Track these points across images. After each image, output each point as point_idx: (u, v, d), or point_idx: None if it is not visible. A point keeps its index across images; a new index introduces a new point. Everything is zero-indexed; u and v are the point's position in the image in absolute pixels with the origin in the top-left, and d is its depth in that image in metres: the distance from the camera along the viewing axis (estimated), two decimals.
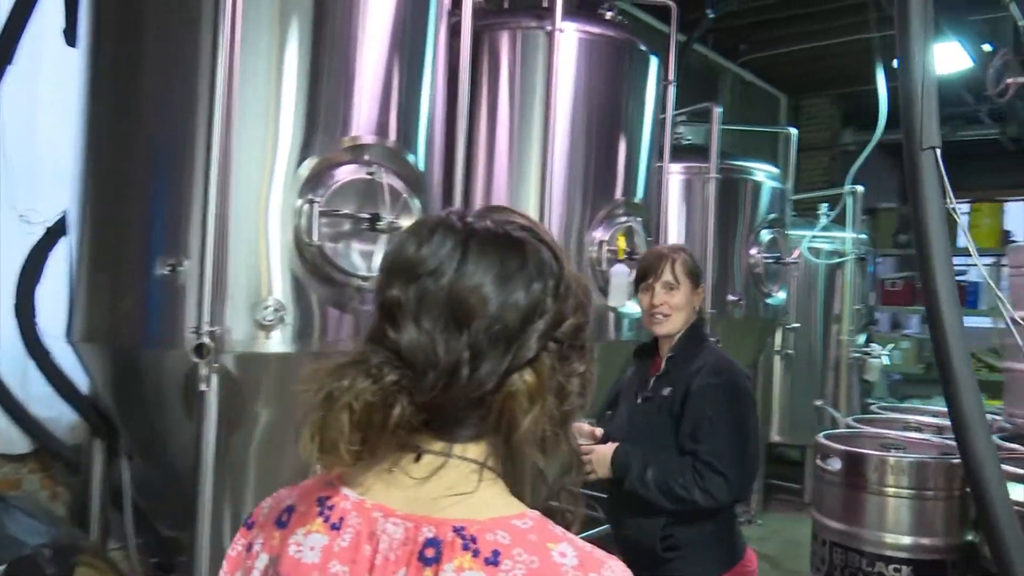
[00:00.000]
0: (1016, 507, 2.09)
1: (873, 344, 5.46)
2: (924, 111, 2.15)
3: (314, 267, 2.26)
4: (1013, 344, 2.14)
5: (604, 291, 3.39)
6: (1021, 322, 2.16)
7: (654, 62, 3.66)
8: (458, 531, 0.75)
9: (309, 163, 2.25)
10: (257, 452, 2.40)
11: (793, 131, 5.41)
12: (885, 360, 5.62)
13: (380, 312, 0.79)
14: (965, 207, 8.66)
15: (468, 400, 0.77)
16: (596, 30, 3.42)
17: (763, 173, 4.64)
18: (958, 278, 3.73)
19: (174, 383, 2.25)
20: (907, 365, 8.07)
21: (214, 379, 2.11)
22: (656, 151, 3.74)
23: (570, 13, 3.30)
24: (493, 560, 0.73)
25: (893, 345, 6.80)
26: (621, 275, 3.29)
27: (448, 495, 0.78)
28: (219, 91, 2.12)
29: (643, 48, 3.59)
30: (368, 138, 2.40)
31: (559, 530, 0.78)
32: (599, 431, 2.17)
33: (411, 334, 0.76)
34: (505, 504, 0.79)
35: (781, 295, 4.76)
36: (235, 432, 2.27)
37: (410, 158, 2.49)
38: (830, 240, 5.42)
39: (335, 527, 0.79)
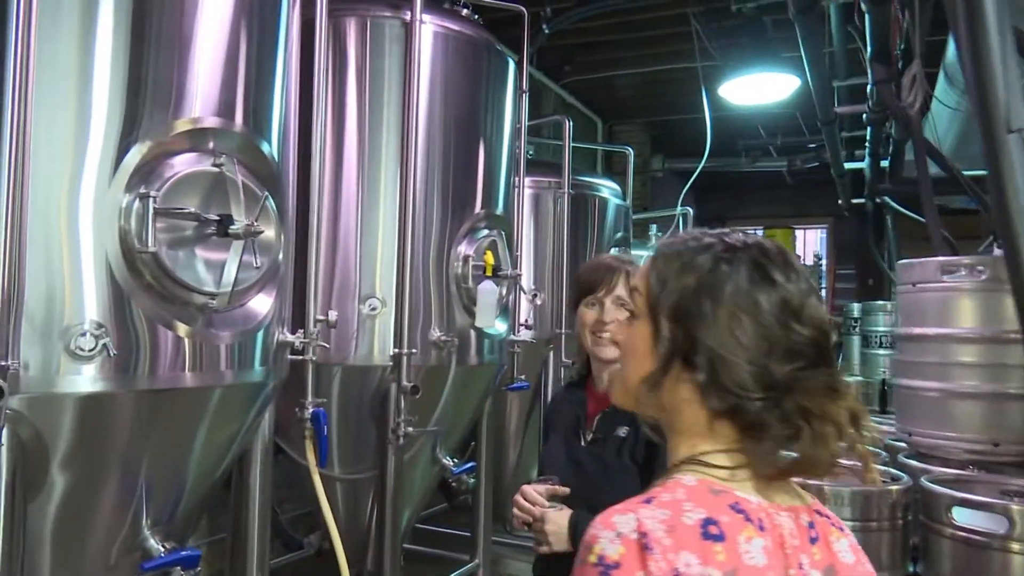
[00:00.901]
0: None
1: None
2: (1011, 91, 1.85)
3: (145, 280, 1.76)
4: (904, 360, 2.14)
5: (469, 310, 3.09)
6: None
7: (512, 66, 3.44)
8: (818, 512, 0.97)
9: (139, 149, 1.75)
10: (56, 526, 1.82)
11: (629, 150, 5.43)
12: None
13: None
14: (759, 231, 9.34)
15: None
16: (454, 26, 3.13)
17: (608, 190, 4.58)
18: None
19: None
20: None
21: (5, 432, 1.54)
22: (513, 162, 3.51)
23: (425, 5, 2.99)
24: (841, 527, 0.99)
25: None
26: (490, 293, 3.01)
27: (794, 488, 0.99)
28: (12, 52, 1.58)
29: (501, 50, 3.37)
30: (211, 120, 1.93)
31: None
32: (562, 489, 1.78)
33: None
34: (795, 488, 1.00)
35: None
36: (33, 501, 1.70)
37: (264, 147, 2.05)
38: None
39: (762, 528, 0.89)
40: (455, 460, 3.27)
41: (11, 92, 1.55)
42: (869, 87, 3.65)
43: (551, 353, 4.14)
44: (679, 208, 5.09)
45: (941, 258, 2.53)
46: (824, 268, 10.94)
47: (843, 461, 0.94)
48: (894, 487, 2.45)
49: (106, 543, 1.90)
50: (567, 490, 1.77)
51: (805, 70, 5.37)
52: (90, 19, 1.75)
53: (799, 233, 10.25)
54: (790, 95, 5.37)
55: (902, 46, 3.03)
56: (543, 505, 1.74)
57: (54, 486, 1.76)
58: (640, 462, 1.75)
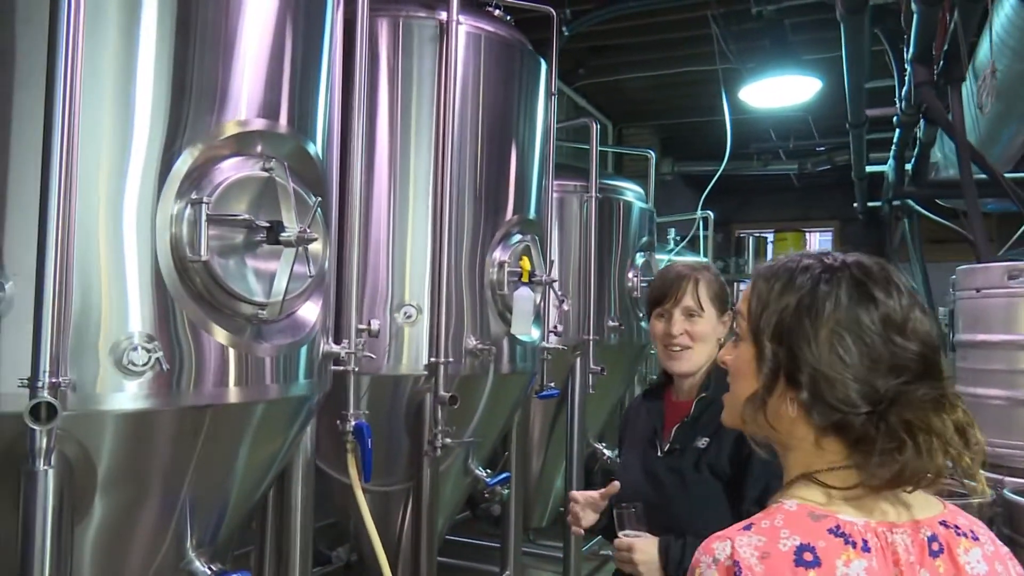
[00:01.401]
0: None
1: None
2: None
3: (196, 291, 1.68)
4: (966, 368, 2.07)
5: (504, 317, 3.01)
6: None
7: (544, 68, 3.37)
8: (944, 524, 0.97)
9: (191, 153, 1.67)
10: (96, 549, 1.73)
11: (651, 153, 5.37)
12: None
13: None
14: (770, 235, 9.29)
15: None
16: (488, 27, 3.06)
17: (632, 193, 4.51)
18: None
19: None
20: None
21: (54, 454, 1.46)
22: (545, 165, 3.44)
23: (459, 5, 2.91)
24: (975, 537, 0.98)
25: None
26: (526, 299, 2.94)
27: (912, 503, 0.96)
28: (61, 53, 1.50)
29: (533, 51, 3.30)
30: (258, 123, 1.84)
31: None
32: (613, 486, 1.75)
33: None
34: (926, 500, 0.99)
35: None
36: (79, 524, 1.62)
37: (311, 150, 1.98)
38: None
39: (867, 549, 0.90)
40: (488, 471, 3.19)
41: (60, 99, 1.46)
42: (904, 89, 3.59)
43: (578, 360, 4.06)
44: (699, 212, 5.02)
45: (1007, 263, 2.46)
46: None
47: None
48: (975, 500, 2.37)
49: (151, 567, 1.82)
50: (617, 485, 1.76)
51: (828, 73, 5.33)
52: (133, 18, 1.67)
53: (809, 237, 10.22)
54: (810, 98, 5.31)
55: (945, 48, 2.98)
56: (597, 503, 1.71)
57: (96, 508, 1.68)
58: (725, 478, 1.68)
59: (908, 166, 4.86)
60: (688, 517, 1.70)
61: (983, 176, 3.17)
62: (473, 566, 3.69)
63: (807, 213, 11.70)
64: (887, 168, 5.43)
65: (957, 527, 0.97)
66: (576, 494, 1.99)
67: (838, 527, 0.91)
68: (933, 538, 0.95)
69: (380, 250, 2.83)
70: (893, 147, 4.66)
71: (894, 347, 0.94)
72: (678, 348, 1.80)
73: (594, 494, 1.93)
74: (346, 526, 3.20)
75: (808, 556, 0.88)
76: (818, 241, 12.02)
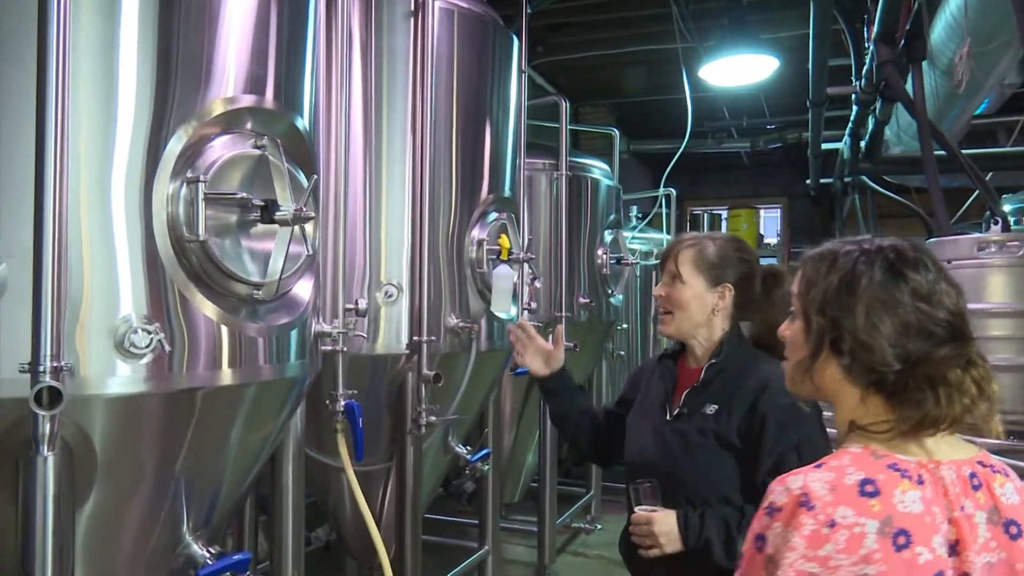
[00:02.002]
0: None
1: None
2: None
3: (192, 271, 1.65)
4: None
5: (483, 295, 3.02)
6: None
7: (516, 44, 3.36)
8: (981, 463, 1.12)
9: (184, 131, 1.63)
10: (93, 534, 1.69)
11: (615, 131, 5.40)
12: None
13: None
14: (724, 212, 9.46)
15: None
16: (462, 3, 3.03)
17: (599, 171, 4.54)
18: None
19: None
20: None
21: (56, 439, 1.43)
22: (517, 143, 3.44)
23: None
24: (1007, 474, 1.14)
25: None
26: (505, 277, 2.95)
27: (953, 445, 1.12)
28: (53, 30, 1.44)
29: (505, 28, 3.28)
30: (246, 99, 1.81)
31: None
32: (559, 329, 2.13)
33: None
34: (964, 444, 1.15)
35: (620, 296, 4.70)
36: (79, 510, 1.59)
37: (301, 128, 1.95)
38: (644, 241, 5.50)
39: (920, 482, 1.06)
40: (468, 448, 3.21)
41: (53, 80, 1.42)
42: (864, 68, 3.69)
43: (550, 337, 4.09)
44: (662, 189, 5.09)
45: (976, 235, 2.57)
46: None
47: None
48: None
49: (144, 552, 1.80)
50: (561, 330, 2.14)
51: (784, 51, 5.42)
52: None
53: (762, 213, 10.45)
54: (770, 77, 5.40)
55: (908, 27, 3.07)
56: (546, 350, 2.09)
57: (94, 493, 1.64)
58: (731, 446, 1.72)
59: (862, 143, 5.00)
60: (691, 481, 1.75)
61: (940, 152, 3.29)
62: (451, 542, 3.72)
63: (757, 190, 11.93)
64: (842, 145, 5.57)
65: (992, 466, 1.13)
66: (522, 322, 2.27)
67: (895, 464, 1.06)
68: (973, 475, 1.10)
69: (356, 229, 2.81)
70: (849, 124, 4.78)
71: (922, 315, 1.10)
72: (662, 312, 1.88)
73: (544, 343, 2.21)
74: (324, 506, 3.18)
75: (870, 488, 1.03)
76: (764, 218, 12.29)
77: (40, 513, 1.45)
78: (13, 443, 1.48)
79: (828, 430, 1.65)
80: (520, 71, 3.48)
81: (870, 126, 4.80)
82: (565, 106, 3.98)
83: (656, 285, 1.95)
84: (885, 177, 6.10)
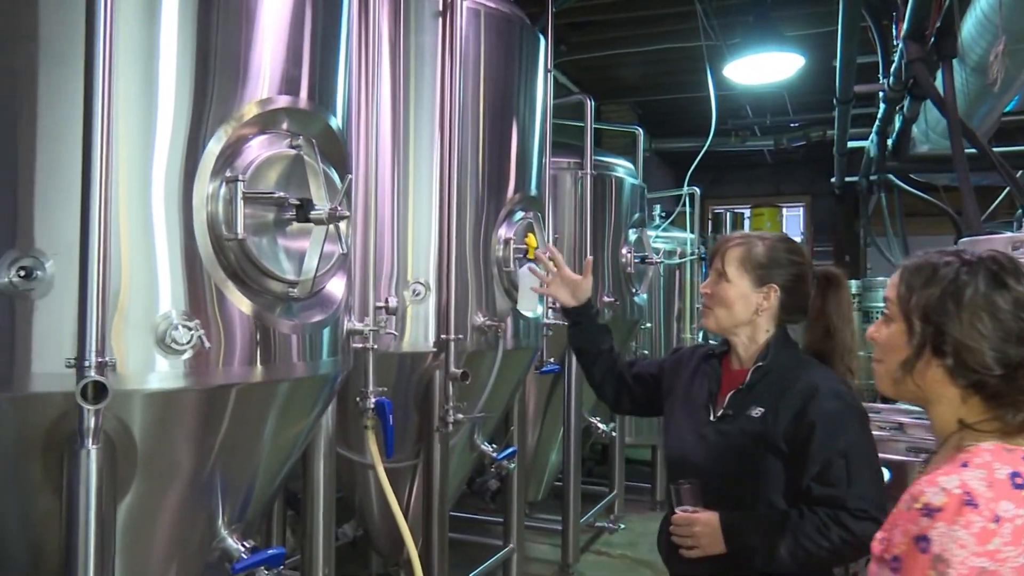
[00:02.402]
0: None
1: (712, 342, 5.61)
2: None
3: (231, 269, 1.67)
4: None
5: (509, 294, 3.03)
6: None
7: (543, 43, 3.37)
8: None
9: (224, 131, 1.66)
10: (130, 527, 1.72)
11: (639, 129, 5.39)
12: None
13: None
14: (747, 210, 9.41)
15: None
16: (489, 3, 3.04)
17: (623, 170, 4.54)
18: None
19: (17, 443, 1.55)
20: None
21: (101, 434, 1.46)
22: (544, 142, 3.45)
23: None
24: None
25: None
26: (531, 277, 2.95)
27: None
28: (100, 34, 1.47)
29: (532, 27, 3.29)
30: (282, 100, 1.83)
31: None
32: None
33: None
34: None
35: (644, 295, 4.69)
36: (120, 504, 1.62)
37: (335, 128, 1.97)
38: (667, 240, 5.49)
39: None
40: (494, 446, 3.22)
41: (100, 82, 1.45)
42: (893, 65, 3.66)
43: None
44: (686, 188, 5.08)
45: (1009, 234, 2.53)
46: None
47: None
48: None
49: (181, 545, 1.82)
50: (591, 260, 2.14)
51: (809, 49, 5.38)
52: None
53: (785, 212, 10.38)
54: (794, 75, 5.36)
55: (938, 24, 3.04)
56: (572, 279, 2.10)
57: (133, 486, 1.67)
58: (775, 450, 1.71)
59: (889, 141, 4.96)
60: (734, 483, 1.75)
61: (971, 150, 3.26)
62: (475, 540, 3.73)
63: (779, 188, 11.85)
64: (868, 143, 5.52)
65: None
66: (551, 248, 2.34)
67: None
68: None
69: (384, 227, 2.83)
70: (876, 122, 4.74)
71: (1022, 323, 1.18)
72: (704, 308, 1.90)
73: (573, 274, 2.23)
74: (351, 502, 3.21)
75: (1019, 480, 1.10)
76: (785, 217, 12.21)
77: (83, 505, 1.48)
78: (58, 436, 1.51)
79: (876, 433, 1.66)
80: (546, 70, 3.49)
81: (897, 124, 4.76)
82: (590, 105, 3.98)
83: (703, 281, 1.96)
84: (912, 175, 6.05)
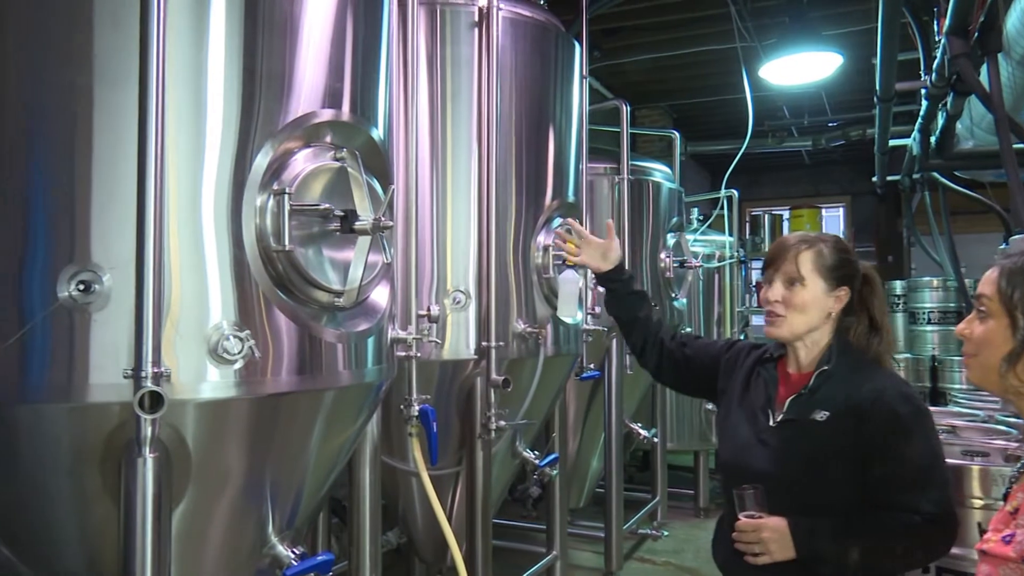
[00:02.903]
0: None
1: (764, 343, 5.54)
2: None
3: (279, 280, 1.71)
4: None
5: (549, 300, 3.04)
6: None
7: (578, 50, 3.38)
8: None
9: (271, 145, 1.70)
10: (183, 534, 1.76)
11: (676, 134, 5.37)
12: None
13: None
14: (785, 212, 9.30)
15: None
16: (525, 11, 3.07)
17: (660, 174, 4.52)
18: None
19: (75, 453, 1.59)
20: None
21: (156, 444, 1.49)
22: (580, 148, 3.45)
23: None
24: None
25: None
26: (572, 282, 2.96)
27: None
28: (154, 52, 1.52)
29: (567, 35, 3.31)
30: (325, 113, 1.86)
31: None
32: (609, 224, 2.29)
33: None
34: None
35: (683, 299, 4.67)
36: (173, 511, 1.65)
37: (377, 139, 2.00)
38: (706, 244, 5.45)
39: None
40: (536, 453, 3.23)
41: (153, 99, 1.49)
42: (936, 62, 3.60)
43: (614, 341, 4.09)
44: (723, 190, 5.04)
45: None
46: None
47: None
48: None
49: (232, 551, 1.86)
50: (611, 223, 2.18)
51: (847, 47, 5.31)
52: (203, 5, 1.68)
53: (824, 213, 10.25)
54: (832, 74, 5.30)
55: (982, 19, 2.99)
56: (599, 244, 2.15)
57: (187, 494, 1.71)
58: (840, 453, 1.69)
59: (932, 138, 4.87)
60: (799, 488, 1.72)
61: (1019, 146, 3.19)
62: (518, 547, 3.74)
63: (817, 189, 11.70)
64: (911, 141, 5.43)
65: None
66: (570, 222, 2.46)
67: None
68: None
69: (424, 236, 2.86)
70: (919, 120, 4.66)
71: None
72: (772, 316, 1.81)
73: (597, 239, 2.26)
74: (394, 509, 3.23)
75: None
76: (825, 218, 12.03)
77: (140, 512, 1.52)
78: (115, 446, 1.55)
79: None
80: (582, 77, 3.49)
81: (940, 121, 4.66)
82: (626, 110, 3.98)
83: (762, 288, 1.88)
84: (956, 172, 5.93)
